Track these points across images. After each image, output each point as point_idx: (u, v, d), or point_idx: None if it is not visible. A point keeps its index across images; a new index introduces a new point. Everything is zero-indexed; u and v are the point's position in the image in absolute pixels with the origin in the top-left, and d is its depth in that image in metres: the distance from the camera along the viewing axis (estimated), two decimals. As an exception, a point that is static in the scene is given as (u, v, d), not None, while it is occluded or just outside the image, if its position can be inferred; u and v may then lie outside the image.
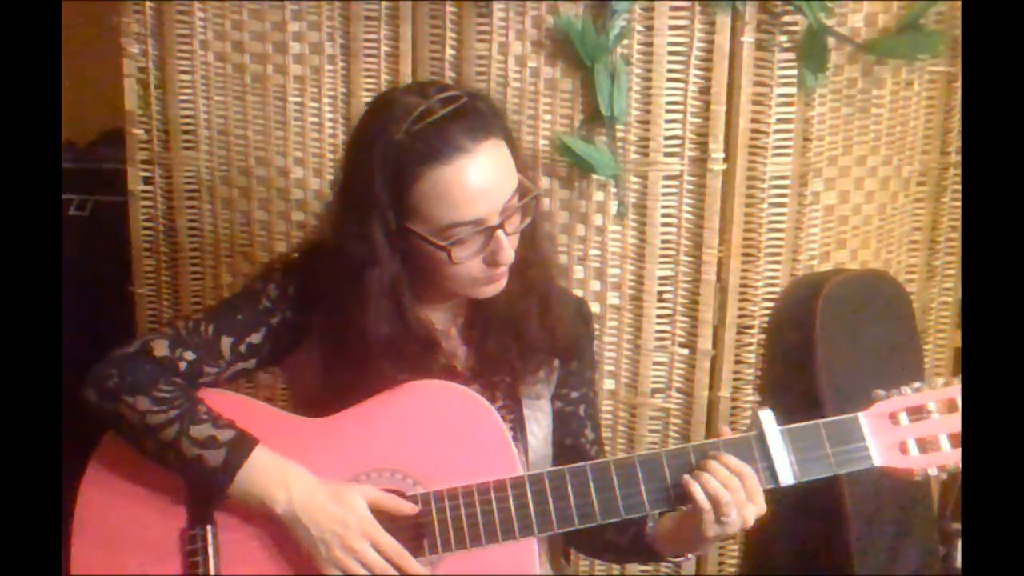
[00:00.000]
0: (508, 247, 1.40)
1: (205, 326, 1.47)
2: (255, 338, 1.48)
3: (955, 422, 1.41)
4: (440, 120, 1.37)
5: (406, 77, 2.06)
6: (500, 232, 1.39)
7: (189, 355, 1.45)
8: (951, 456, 1.40)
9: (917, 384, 1.43)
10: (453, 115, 1.37)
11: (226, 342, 1.47)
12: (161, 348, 1.45)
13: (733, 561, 2.19)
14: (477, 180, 1.37)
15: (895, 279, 2.16)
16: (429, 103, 1.38)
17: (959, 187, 2.20)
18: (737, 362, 2.10)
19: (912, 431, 1.41)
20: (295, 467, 1.41)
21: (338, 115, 2.11)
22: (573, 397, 1.62)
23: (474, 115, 1.39)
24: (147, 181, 2.21)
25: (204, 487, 1.42)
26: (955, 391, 1.41)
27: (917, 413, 1.42)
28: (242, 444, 1.39)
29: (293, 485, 1.39)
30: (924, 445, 1.41)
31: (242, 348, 1.48)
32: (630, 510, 1.41)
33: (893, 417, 1.42)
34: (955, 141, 2.19)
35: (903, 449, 1.41)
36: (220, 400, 1.46)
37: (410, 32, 2.05)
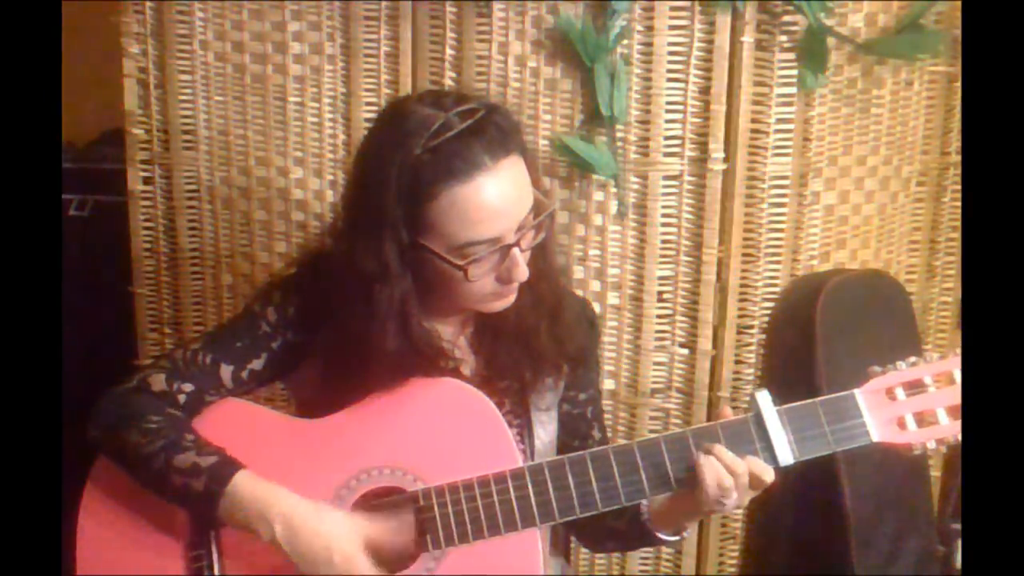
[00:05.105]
0: (523, 265, 1.39)
1: (203, 356, 1.46)
2: (256, 364, 1.48)
3: (952, 395, 1.40)
4: (459, 135, 1.34)
5: (406, 77, 2.06)
6: (515, 250, 1.37)
7: (187, 387, 1.44)
8: (949, 429, 1.40)
9: (912, 359, 1.43)
10: (472, 130, 1.34)
11: (226, 371, 1.46)
12: (158, 382, 1.44)
13: (733, 561, 2.18)
14: (496, 198, 1.34)
15: (895, 279, 2.16)
16: (447, 117, 1.34)
17: (959, 187, 2.20)
18: (737, 362, 2.10)
19: (909, 405, 1.41)
20: (279, 491, 1.37)
21: (338, 115, 2.11)
22: (580, 399, 1.62)
23: (493, 130, 1.36)
24: (147, 181, 2.21)
25: (195, 514, 1.41)
26: (950, 363, 1.41)
27: (914, 387, 1.41)
28: (223, 470, 1.36)
29: (275, 511, 1.35)
30: (922, 419, 1.41)
31: (243, 375, 1.47)
32: (630, 496, 1.41)
33: (890, 392, 1.42)
34: (955, 141, 2.19)
35: (901, 424, 1.41)
36: (220, 406, 1.46)
37: (410, 32, 2.05)
